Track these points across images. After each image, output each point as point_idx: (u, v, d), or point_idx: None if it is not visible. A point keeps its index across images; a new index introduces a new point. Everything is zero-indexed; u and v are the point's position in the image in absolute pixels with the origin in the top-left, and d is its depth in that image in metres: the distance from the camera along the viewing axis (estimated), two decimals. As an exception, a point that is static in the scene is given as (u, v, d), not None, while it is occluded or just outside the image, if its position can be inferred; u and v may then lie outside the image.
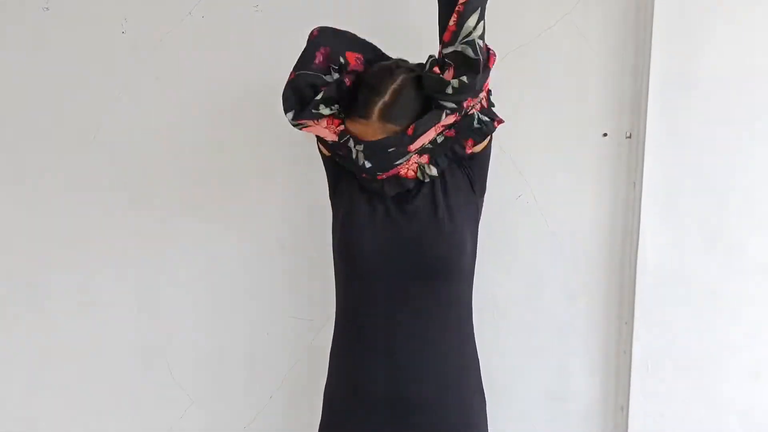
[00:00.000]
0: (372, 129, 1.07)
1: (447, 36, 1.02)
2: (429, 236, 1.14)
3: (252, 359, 1.65)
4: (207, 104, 1.55)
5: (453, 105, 1.07)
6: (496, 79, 1.45)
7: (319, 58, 1.11)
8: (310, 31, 1.13)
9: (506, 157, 1.48)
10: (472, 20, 0.99)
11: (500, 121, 1.15)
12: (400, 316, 1.16)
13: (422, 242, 1.14)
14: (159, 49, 1.54)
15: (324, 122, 1.11)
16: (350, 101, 1.11)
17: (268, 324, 1.63)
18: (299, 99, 1.10)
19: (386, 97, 1.05)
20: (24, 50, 1.57)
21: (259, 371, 1.66)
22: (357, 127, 1.09)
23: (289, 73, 1.11)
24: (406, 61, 1.13)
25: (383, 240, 1.15)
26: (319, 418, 1.31)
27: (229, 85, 1.54)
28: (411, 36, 1.45)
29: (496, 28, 1.44)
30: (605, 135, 1.46)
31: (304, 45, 1.50)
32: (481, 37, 1.02)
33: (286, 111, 1.10)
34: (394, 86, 1.06)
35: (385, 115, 1.06)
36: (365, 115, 1.07)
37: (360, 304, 1.19)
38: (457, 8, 1.00)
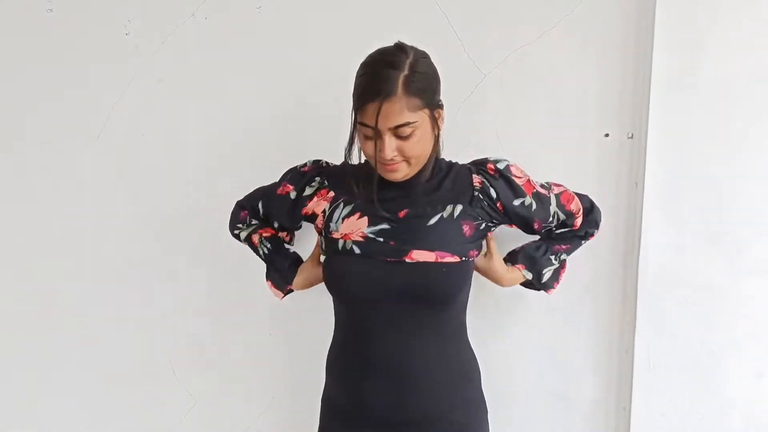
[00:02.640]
0: (398, 106, 1.03)
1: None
2: (420, 266, 1.13)
3: (255, 360, 1.66)
4: (210, 105, 1.56)
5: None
6: (498, 80, 1.47)
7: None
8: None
9: (507, 158, 1.48)
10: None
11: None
12: (395, 336, 1.15)
13: (413, 272, 1.13)
14: (162, 50, 1.54)
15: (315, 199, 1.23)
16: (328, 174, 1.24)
17: (270, 325, 1.63)
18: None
19: (406, 71, 1.04)
20: (27, 52, 1.58)
21: (261, 372, 1.66)
22: (372, 113, 1.04)
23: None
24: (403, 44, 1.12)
25: (371, 268, 1.14)
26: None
27: (232, 86, 1.54)
28: (409, 34, 1.46)
29: (497, 28, 1.45)
30: (607, 135, 1.47)
31: (304, 45, 1.51)
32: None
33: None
34: (409, 60, 1.05)
35: (410, 87, 1.04)
36: (390, 92, 1.02)
37: (354, 325, 1.19)
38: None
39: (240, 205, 1.37)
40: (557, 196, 1.27)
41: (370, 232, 1.14)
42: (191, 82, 1.55)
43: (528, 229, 1.27)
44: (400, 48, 1.08)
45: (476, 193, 1.18)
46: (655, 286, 1.46)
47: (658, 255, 1.45)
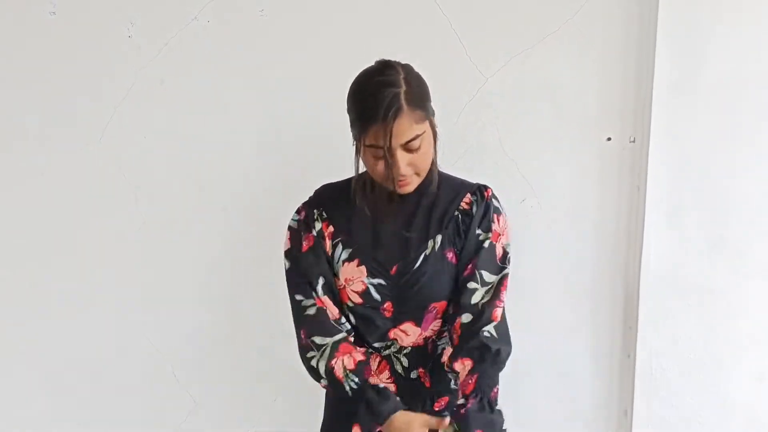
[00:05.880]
0: (406, 122, 1.03)
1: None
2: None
3: (256, 362, 1.65)
4: (212, 108, 1.56)
5: None
6: (500, 83, 1.47)
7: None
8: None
9: (510, 161, 1.49)
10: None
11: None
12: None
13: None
14: (164, 52, 1.54)
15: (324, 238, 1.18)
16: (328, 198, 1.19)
17: (272, 326, 1.63)
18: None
19: (404, 86, 1.03)
20: (31, 54, 1.58)
21: (262, 374, 1.66)
22: (384, 134, 1.02)
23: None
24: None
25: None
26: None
27: (234, 89, 1.54)
28: (412, 38, 1.46)
29: (500, 32, 1.45)
30: (609, 139, 1.47)
31: (307, 48, 1.51)
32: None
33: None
34: (402, 75, 1.05)
35: (413, 101, 1.03)
36: (398, 110, 1.01)
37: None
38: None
39: (302, 320, 1.19)
40: (500, 282, 1.16)
41: (370, 283, 1.15)
42: (193, 85, 1.55)
43: (460, 268, 1.16)
44: (387, 65, 1.07)
45: (456, 213, 1.17)
46: (656, 289, 1.46)
47: (660, 258, 1.45)
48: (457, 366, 1.12)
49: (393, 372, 1.19)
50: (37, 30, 1.56)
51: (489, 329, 1.12)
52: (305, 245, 1.18)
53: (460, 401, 1.12)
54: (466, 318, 1.13)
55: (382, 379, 1.18)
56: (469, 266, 1.15)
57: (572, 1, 1.42)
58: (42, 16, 1.55)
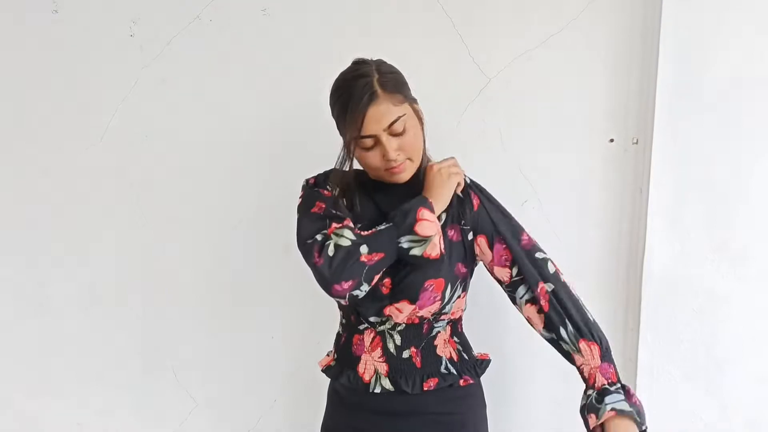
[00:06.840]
0: (384, 105, 1.07)
1: None
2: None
3: (256, 362, 1.65)
4: (214, 107, 1.56)
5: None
6: (502, 84, 1.46)
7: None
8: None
9: (512, 162, 1.48)
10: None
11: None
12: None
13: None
14: (166, 52, 1.54)
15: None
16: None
17: (272, 327, 1.63)
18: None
19: (376, 75, 1.08)
20: (32, 52, 1.58)
21: (263, 374, 1.66)
22: (364, 122, 1.06)
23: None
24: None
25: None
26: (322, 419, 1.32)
27: (236, 88, 1.54)
28: (414, 38, 1.46)
29: (503, 33, 1.45)
30: (612, 140, 1.46)
31: (310, 49, 1.51)
32: None
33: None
34: (373, 66, 1.10)
35: (386, 85, 1.08)
36: (372, 96, 1.06)
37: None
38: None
39: (316, 239, 1.13)
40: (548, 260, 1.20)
41: None
42: (195, 84, 1.55)
43: (515, 246, 1.19)
44: (359, 62, 1.13)
45: (459, 194, 1.19)
46: (658, 292, 1.45)
47: (662, 261, 1.44)
48: (583, 346, 1.12)
49: (385, 350, 1.19)
50: (39, 28, 1.57)
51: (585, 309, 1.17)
52: (318, 205, 1.17)
53: (610, 387, 1.09)
54: (549, 287, 1.16)
55: (375, 357, 1.20)
56: (524, 239, 1.20)
57: (575, 3, 1.42)
58: (44, 14, 1.56)
